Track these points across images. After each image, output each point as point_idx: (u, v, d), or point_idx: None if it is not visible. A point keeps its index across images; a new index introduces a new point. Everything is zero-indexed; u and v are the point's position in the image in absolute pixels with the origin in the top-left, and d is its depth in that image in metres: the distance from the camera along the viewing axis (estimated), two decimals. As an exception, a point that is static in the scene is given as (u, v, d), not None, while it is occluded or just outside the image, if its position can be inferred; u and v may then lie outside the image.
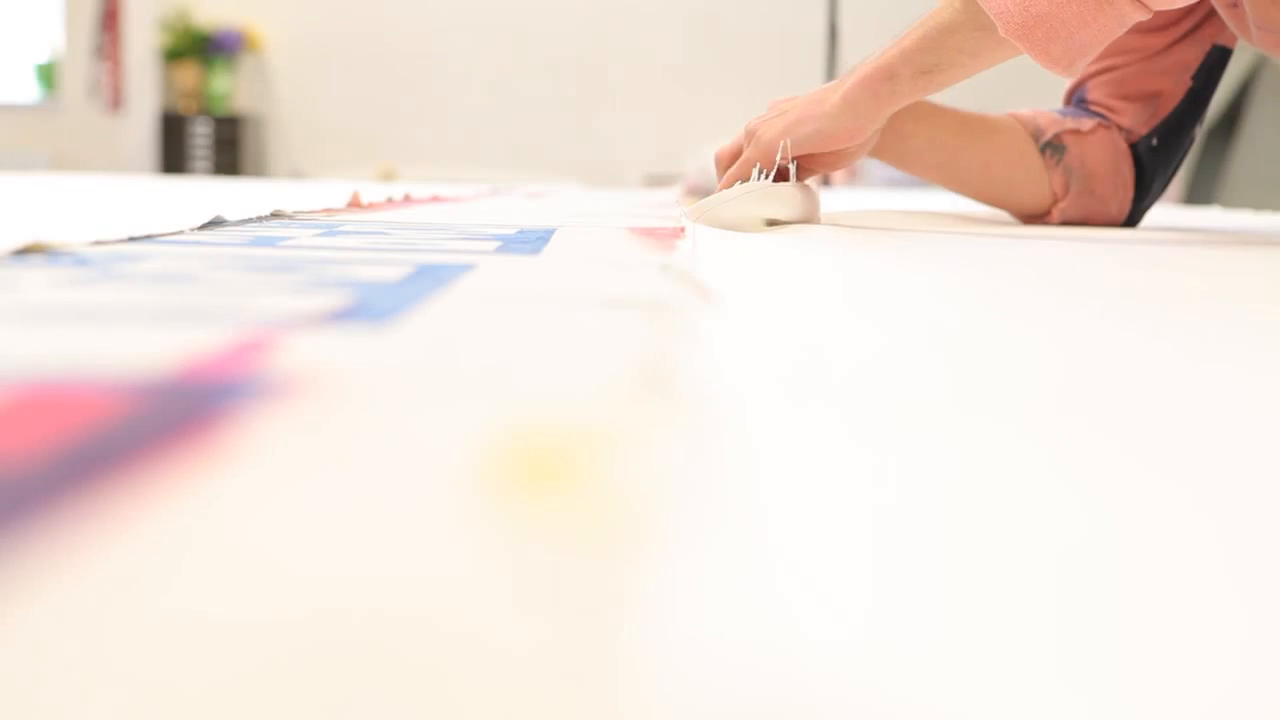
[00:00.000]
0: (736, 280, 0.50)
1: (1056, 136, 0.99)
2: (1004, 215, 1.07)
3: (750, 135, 0.89)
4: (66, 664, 0.11)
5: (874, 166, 4.83)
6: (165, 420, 0.20)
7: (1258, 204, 2.23)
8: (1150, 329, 0.39)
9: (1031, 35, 0.75)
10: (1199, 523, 0.17)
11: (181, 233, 0.61)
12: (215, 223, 0.68)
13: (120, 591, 0.13)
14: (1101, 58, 1.01)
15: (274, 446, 0.19)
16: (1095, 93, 1.02)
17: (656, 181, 4.46)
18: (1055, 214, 1.00)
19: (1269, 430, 0.24)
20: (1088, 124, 1.00)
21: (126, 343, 0.27)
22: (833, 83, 0.86)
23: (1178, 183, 3.37)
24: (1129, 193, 1.01)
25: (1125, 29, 0.76)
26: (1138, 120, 1.01)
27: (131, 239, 0.54)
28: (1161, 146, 1.01)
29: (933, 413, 0.24)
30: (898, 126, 0.93)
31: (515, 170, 4.98)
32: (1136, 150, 1.01)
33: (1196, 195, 3.23)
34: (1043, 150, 0.99)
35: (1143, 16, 0.75)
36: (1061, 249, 0.74)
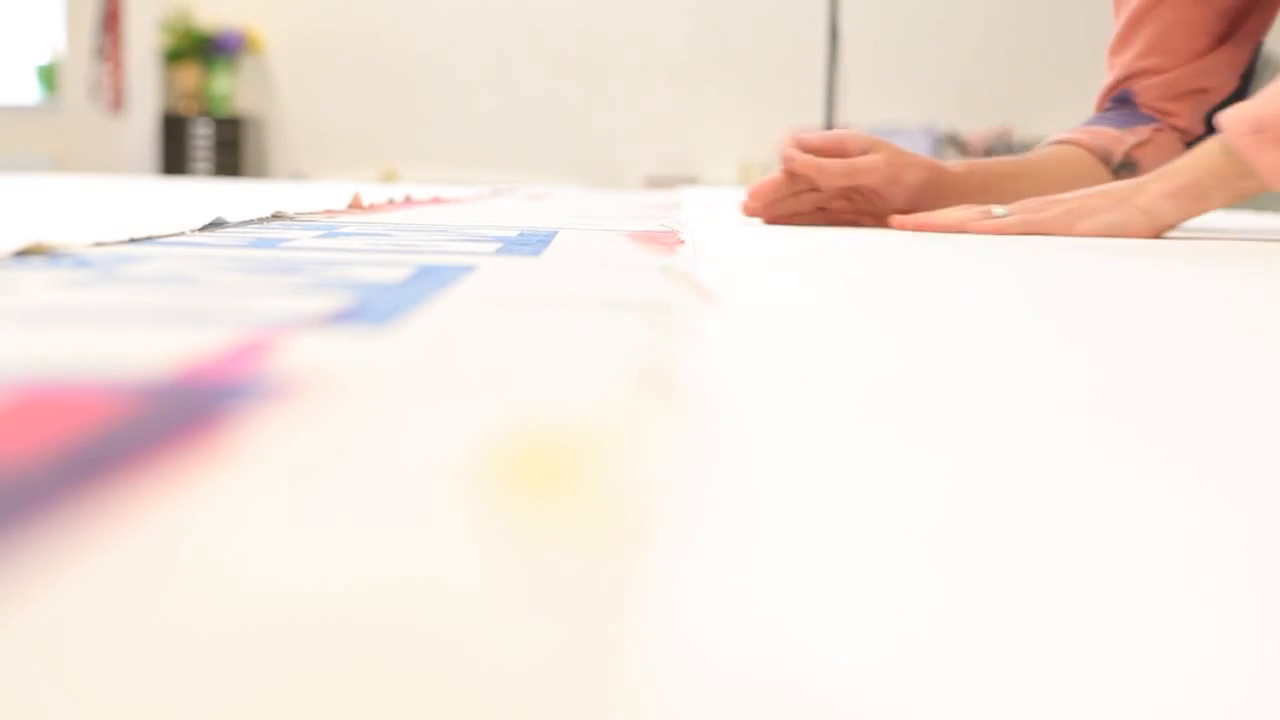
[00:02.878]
0: (737, 281, 0.50)
1: (1126, 155, 1.02)
2: None
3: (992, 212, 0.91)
4: (65, 669, 0.11)
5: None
6: (166, 422, 0.20)
7: (1259, 204, 2.23)
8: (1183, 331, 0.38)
9: None
10: (1240, 533, 0.17)
11: (182, 234, 0.61)
12: (216, 224, 0.68)
13: (120, 595, 0.13)
14: (1147, 57, 1.03)
15: (275, 447, 0.19)
16: (1146, 96, 1.04)
17: (658, 183, 4.46)
18: None
19: None
20: (1146, 132, 1.02)
21: (127, 344, 0.27)
22: (1121, 184, 0.88)
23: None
24: None
25: None
26: (1193, 120, 1.04)
27: (133, 240, 0.54)
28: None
29: (934, 413, 0.24)
30: (986, 193, 0.97)
31: (516, 172, 4.99)
32: (1193, 146, 1.03)
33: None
34: (1116, 172, 1.02)
35: None
36: (1061, 250, 0.74)
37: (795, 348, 0.32)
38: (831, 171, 0.94)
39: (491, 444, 0.19)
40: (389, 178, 4.89)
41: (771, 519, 0.17)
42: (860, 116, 4.51)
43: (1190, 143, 1.03)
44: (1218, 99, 1.03)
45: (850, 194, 0.97)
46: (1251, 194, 0.83)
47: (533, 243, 0.64)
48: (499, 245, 0.61)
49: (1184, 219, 0.86)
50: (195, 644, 0.12)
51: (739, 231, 0.91)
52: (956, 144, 5.01)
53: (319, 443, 0.19)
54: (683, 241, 0.66)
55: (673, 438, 0.20)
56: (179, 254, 0.50)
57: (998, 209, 0.88)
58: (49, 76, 4.94)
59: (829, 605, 0.14)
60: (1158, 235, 0.86)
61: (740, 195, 1.07)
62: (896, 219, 0.92)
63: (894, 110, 4.98)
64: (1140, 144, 1.02)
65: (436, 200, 1.32)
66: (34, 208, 0.97)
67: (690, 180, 4.75)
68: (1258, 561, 0.16)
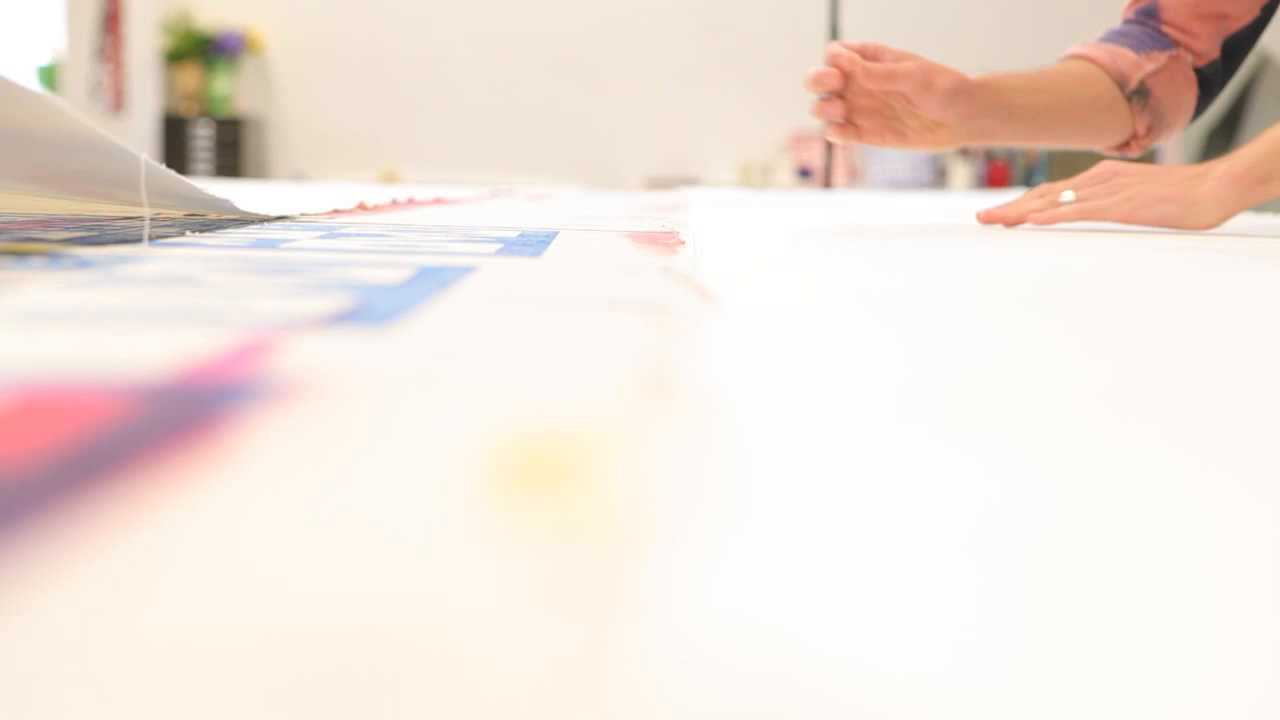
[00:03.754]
0: (738, 282, 0.50)
1: (1141, 83, 1.03)
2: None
3: (1052, 198, 0.94)
4: (65, 669, 0.11)
5: (875, 169, 4.83)
6: (166, 423, 0.20)
7: (1259, 204, 2.23)
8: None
9: None
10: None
11: (183, 234, 0.61)
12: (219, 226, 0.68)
13: (119, 596, 0.13)
14: None
15: (275, 449, 0.19)
16: (1171, 13, 1.06)
17: (658, 184, 4.46)
18: (1135, 147, 1.06)
19: None
20: (1162, 58, 1.04)
21: (128, 345, 0.27)
22: (1185, 170, 0.91)
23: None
24: (1190, 113, 1.08)
25: None
26: (1212, 43, 1.05)
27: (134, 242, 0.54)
28: (1224, 66, 1.07)
29: (935, 413, 0.24)
30: (1008, 105, 0.99)
31: (516, 172, 4.99)
32: (1203, 73, 1.05)
33: (1198, 196, 3.23)
34: (1129, 98, 1.04)
35: None
36: (1062, 252, 0.74)
37: (796, 348, 0.32)
38: (875, 72, 0.95)
39: (492, 445, 0.19)
40: (389, 178, 4.89)
41: (771, 519, 0.17)
42: (861, 117, 4.51)
43: (1200, 69, 1.04)
44: (1237, 25, 1.05)
45: (882, 105, 0.98)
46: None
47: (533, 243, 0.64)
48: (499, 246, 0.61)
49: (1246, 206, 0.87)
50: (195, 646, 0.12)
51: (740, 232, 0.91)
52: (957, 144, 4.99)
53: (319, 444, 0.19)
54: (683, 242, 0.66)
55: (673, 439, 0.20)
56: (179, 255, 0.50)
57: (1066, 193, 0.91)
58: (49, 77, 4.94)
59: (829, 605, 0.14)
60: (1220, 224, 0.87)
61: (741, 195, 1.08)
62: (980, 214, 0.96)
63: (894, 111, 4.98)
64: (1155, 71, 1.04)
65: (439, 201, 1.32)
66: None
67: (690, 181, 4.75)
68: None
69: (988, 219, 0.96)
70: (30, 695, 0.11)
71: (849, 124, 0.99)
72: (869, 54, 0.98)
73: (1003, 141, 1.02)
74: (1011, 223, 0.95)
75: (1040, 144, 1.05)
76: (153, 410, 0.21)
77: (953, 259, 0.66)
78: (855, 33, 4.28)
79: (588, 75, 5.13)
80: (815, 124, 4.45)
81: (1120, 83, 1.03)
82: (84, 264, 0.44)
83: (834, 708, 0.11)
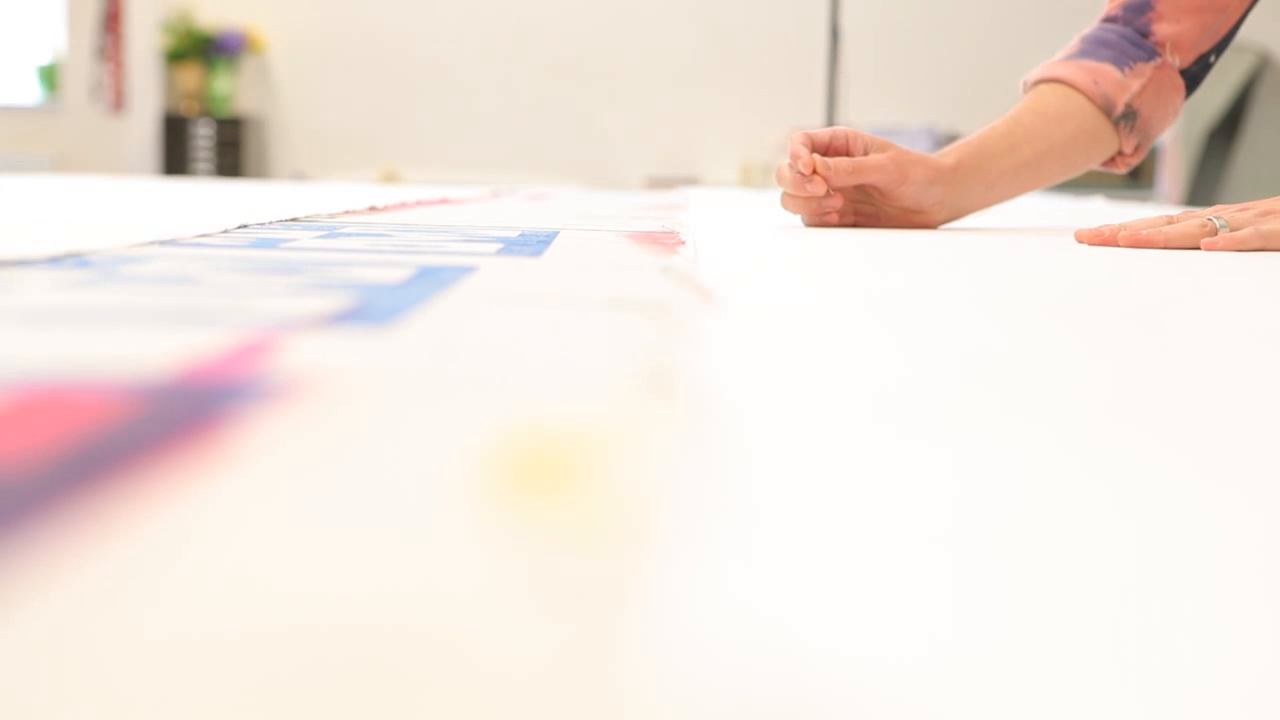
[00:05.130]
0: (738, 282, 0.50)
1: (1128, 105, 0.98)
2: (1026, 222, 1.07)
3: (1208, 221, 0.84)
4: (65, 669, 0.11)
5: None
6: (167, 422, 0.20)
7: None
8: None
9: None
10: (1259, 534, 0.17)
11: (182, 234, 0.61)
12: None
13: (120, 596, 0.13)
14: None
15: (276, 448, 0.19)
16: (1166, 5, 0.99)
17: (658, 184, 4.46)
18: (1121, 164, 1.02)
19: None
20: (1147, 71, 0.99)
21: (129, 344, 0.27)
22: None
23: (1180, 184, 3.37)
24: (1176, 116, 1.03)
25: None
26: (1204, 35, 1.00)
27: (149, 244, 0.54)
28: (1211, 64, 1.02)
29: (936, 413, 0.24)
30: (985, 178, 0.96)
31: (517, 172, 4.99)
32: (1190, 72, 1.00)
33: (1199, 197, 3.23)
34: (1117, 122, 0.99)
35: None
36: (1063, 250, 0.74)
37: (796, 348, 0.32)
38: (839, 169, 0.92)
39: (492, 444, 0.19)
40: (390, 178, 4.89)
41: (771, 518, 0.17)
42: (861, 117, 4.51)
43: (1184, 70, 0.99)
44: (1228, 26, 0.99)
45: (857, 196, 0.96)
46: None
47: (534, 243, 0.64)
48: (500, 245, 0.61)
49: None
50: (195, 645, 0.12)
51: (740, 232, 0.91)
52: (958, 144, 4.99)
53: (320, 443, 0.19)
54: (683, 242, 0.66)
55: (673, 438, 0.20)
56: (180, 255, 0.50)
57: (1217, 220, 0.79)
58: (50, 77, 4.94)
59: (829, 603, 0.14)
60: None
61: (742, 195, 1.08)
62: (1120, 236, 0.83)
63: (895, 110, 4.98)
64: (1141, 89, 0.98)
65: (444, 201, 1.32)
66: (57, 211, 0.97)
67: (691, 181, 4.75)
68: (1272, 559, 0.16)
69: (1133, 244, 0.81)
70: (32, 695, 0.11)
71: (819, 213, 0.95)
72: (838, 144, 0.94)
73: (985, 208, 0.98)
74: (1171, 246, 0.79)
75: (1024, 193, 1.00)
76: (153, 410, 0.21)
77: (954, 259, 0.66)
78: (856, 33, 4.27)
79: (588, 75, 5.13)
80: (815, 124, 4.45)
81: (1106, 109, 0.98)
82: (85, 264, 0.44)
83: (833, 707, 0.11)
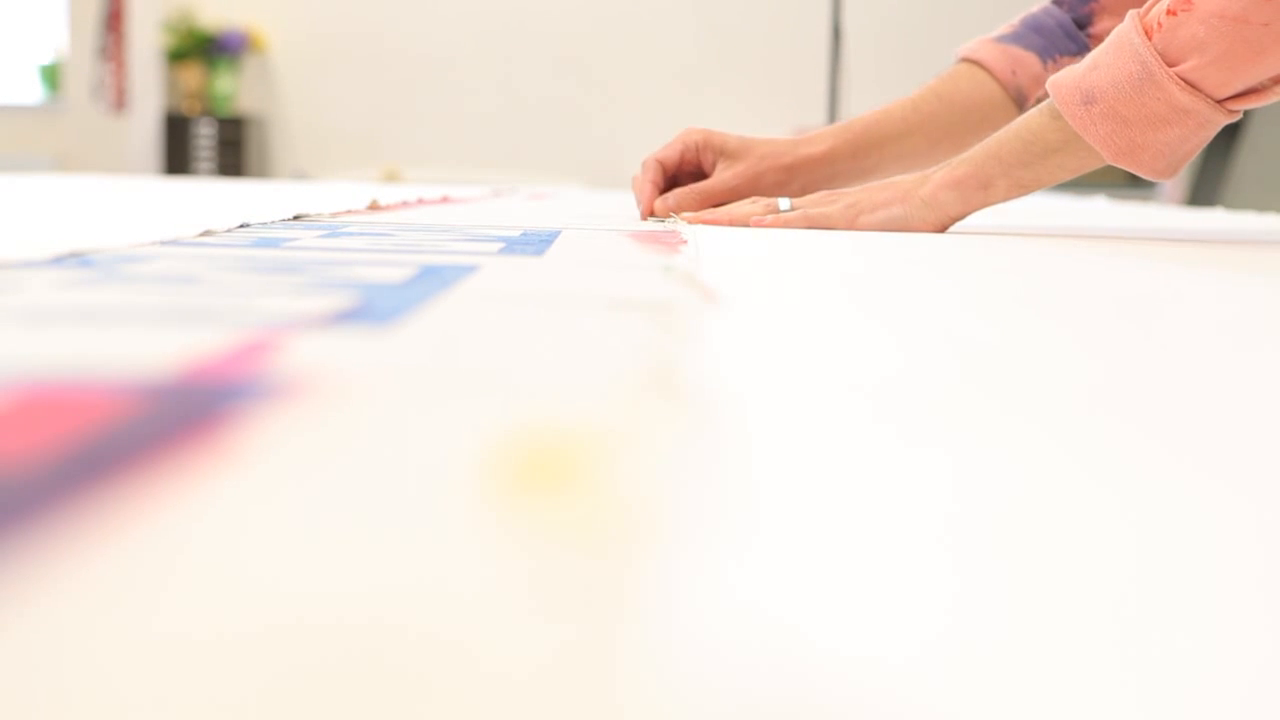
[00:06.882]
0: (740, 281, 0.50)
1: (1040, 99, 0.96)
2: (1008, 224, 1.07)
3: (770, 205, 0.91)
4: (66, 669, 0.11)
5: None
6: (169, 421, 0.20)
7: (1261, 205, 2.23)
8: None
9: (1137, 158, 0.76)
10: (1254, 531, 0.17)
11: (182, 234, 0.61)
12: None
13: (121, 595, 0.13)
14: None
15: (278, 447, 0.19)
16: None
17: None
18: None
19: None
20: (1069, 62, 0.96)
21: (130, 344, 0.27)
22: (908, 177, 0.87)
23: (1181, 184, 3.36)
24: None
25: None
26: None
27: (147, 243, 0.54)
28: None
29: (936, 412, 0.24)
30: (863, 164, 0.98)
31: (518, 171, 4.99)
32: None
33: (1200, 197, 3.23)
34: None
35: (1233, 120, 0.76)
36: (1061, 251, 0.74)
37: (798, 347, 0.32)
38: (685, 204, 0.96)
39: (494, 444, 0.19)
40: (391, 177, 4.89)
41: (775, 518, 0.17)
42: (862, 117, 4.51)
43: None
44: None
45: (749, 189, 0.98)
46: (1077, 171, 0.80)
47: (535, 242, 0.64)
48: (502, 245, 0.61)
49: (968, 211, 0.83)
50: (197, 645, 0.12)
51: (742, 231, 0.91)
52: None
53: (321, 443, 0.19)
54: (685, 241, 0.66)
55: (676, 437, 0.20)
56: (182, 254, 0.50)
57: (783, 203, 0.88)
58: (52, 76, 4.94)
59: (833, 603, 0.14)
60: (943, 229, 0.84)
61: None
62: (688, 216, 0.93)
63: (896, 110, 4.98)
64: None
65: (445, 200, 1.32)
66: (66, 212, 0.97)
67: (692, 180, 4.74)
68: (1269, 557, 0.16)
69: (697, 222, 0.91)
70: (33, 694, 0.11)
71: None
72: (689, 158, 0.98)
73: (875, 180, 0.98)
74: (733, 224, 0.90)
75: (913, 171, 1.00)
76: (155, 409, 0.21)
77: (955, 259, 0.66)
78: (856, 33, 4.27)
79: (589, 75, 5.13)
80: (815, 124, 4.45)
81: (1018, 100, 0.97)
82: (87, 263, 0.44)
83: (836, 707, 0.11)
